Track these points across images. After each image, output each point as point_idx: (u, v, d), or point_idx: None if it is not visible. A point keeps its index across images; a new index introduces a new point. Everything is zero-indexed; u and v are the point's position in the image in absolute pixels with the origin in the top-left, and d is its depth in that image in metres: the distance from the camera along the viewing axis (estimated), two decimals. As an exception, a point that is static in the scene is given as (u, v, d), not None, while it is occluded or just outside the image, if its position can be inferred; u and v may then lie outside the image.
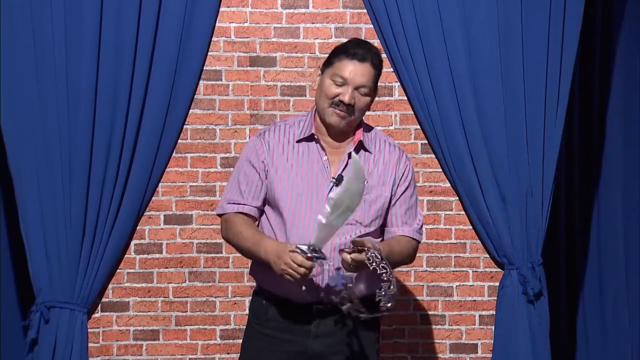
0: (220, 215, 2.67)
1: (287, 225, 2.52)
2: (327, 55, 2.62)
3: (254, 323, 2.65)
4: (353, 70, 2.50)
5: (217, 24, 3.56)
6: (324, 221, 2.31)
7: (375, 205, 2.57)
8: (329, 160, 2.57)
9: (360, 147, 2.60)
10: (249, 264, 2.79)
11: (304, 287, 2.50)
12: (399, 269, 3.60)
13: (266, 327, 2.60)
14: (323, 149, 2.58)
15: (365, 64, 2.51)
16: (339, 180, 2.53)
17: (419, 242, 2.69)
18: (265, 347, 2.60)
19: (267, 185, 2.58)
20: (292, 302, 2.55)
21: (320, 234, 2.34)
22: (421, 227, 2.70)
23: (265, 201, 2.62)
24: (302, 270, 2.36)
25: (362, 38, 2.88)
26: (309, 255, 2.35)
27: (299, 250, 2.35)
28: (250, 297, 2.75)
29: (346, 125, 2.56)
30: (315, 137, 2.58)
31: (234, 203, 2.62)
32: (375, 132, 2.69)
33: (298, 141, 2.59)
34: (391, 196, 2.62)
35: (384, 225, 2.65)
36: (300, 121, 2.63)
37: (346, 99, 2.50)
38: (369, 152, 2.61)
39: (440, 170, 3.59)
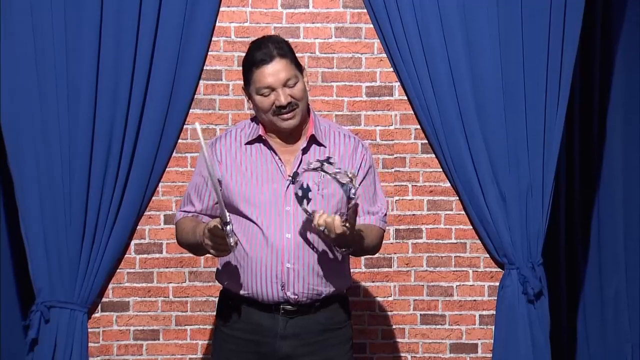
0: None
1: (263, 228, 2.50)
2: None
3: (221, 326, 2.63)
4: (269, 74, 2.46)
5: (217, 24, 3.57)
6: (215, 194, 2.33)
7: (333, 199, 2.52)
8: (281, 160, 2.55)
9: (312, 141, 2.57)
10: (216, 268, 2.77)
11: (281, 285, 2.50)
12: (398, 268, 3.60)
13: (234, 330, 2.58)
14: (272, 149, 2.55)
15: (275, 60, 2.47)
16: (294, 177, 2.51)
17: (384, 230, 2.67)
18: (234, 349, 2.58)
19: (224, 193, 2.55)
20: (259, 303, 2.54)
21: (219, 206, 2.31)
22: (385, 214, 2.66)
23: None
24: (217, 240, 2.33)
25: (274, 35, 2.76)
26: (222, 227, 2.31)
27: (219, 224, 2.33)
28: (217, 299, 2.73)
29: (298, 120, 2.53)
30: (263, 138, 2.56)
31: (184, 211, 2.67)
32: (328, 124, 2.65)
33: (247, 143, 2.57)
34: None
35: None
36: (250, 123, 2.62)
37: (282, 100, 2.47)
38: (323, 145, 2.58)
39: (441, 170, 3.59)
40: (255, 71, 2.48)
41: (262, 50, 2.49)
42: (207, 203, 2.62)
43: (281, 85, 2.47)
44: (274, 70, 2.47)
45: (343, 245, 2.46)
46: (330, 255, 2.54)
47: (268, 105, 2.49)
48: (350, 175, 2.32)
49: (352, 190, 2.31)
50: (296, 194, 2.46)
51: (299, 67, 2.54)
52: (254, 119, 2.63)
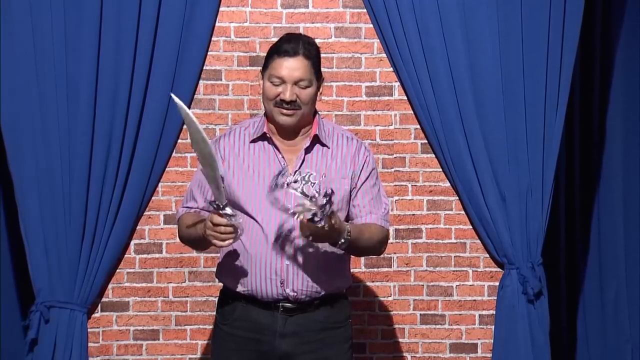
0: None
1: (263, 225, 2.51)
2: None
3: (221, 324, 2.65)
4: (287, 67, 2.50)
5: (217, 24, 3.56)
6: (204, 175, 2.37)
7: (335, 198, 2.48)
8: (284, 158, 2.56)
9: (316, 141, 2.59)
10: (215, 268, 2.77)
11: (280, 282, 2.52)
12: (398, 268, 3.60)
13: (234, 328, 2.60)
14: (277, 147, 2.58)
15: (297, 57, 2.51)
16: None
17: (387, 230, 2.68)
18: (234, 348, 2.59)
19: (226, 190, 2.56)
20: (258, 301, 2.55)
21: (213, 191, 2.36)
22: (387, 213, 2.67)
23: None
24: (221, 229, 2.36)
25: (300, 33, 2.75)
26: (220, 212, 2.35)
27: (217, 212, 2.36)
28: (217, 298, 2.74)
29: (297, 122, 2.56)
30: (268, 135, 2.59)
31: (187, 207, 2.68)
32: (332, 125, 2.68)
33: (252, 141, 2.59)
34: (352, 188, 2.60)
35: (347, 219, 2.62)
36: (254, 122, 2.64)
37: (287, 96, 2.50)
38: (326, 146, 2.60)
39: (440, 169, 3.59)
40: (276, 59, 2.52)
41: (291, 44, 2.53)
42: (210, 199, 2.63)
43: (292, 82, 2.51)
44: (292, 66, 2.50)
45: (330, 243, 2.45)
46: (330, 254, 2.54)
47: (273, 95, 2.52)
48: (324, 202, 2.28)
49: (316, 219, 2.29)
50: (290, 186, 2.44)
51: (317, 75, 2.57)
52: (258, 118, 2.65)
